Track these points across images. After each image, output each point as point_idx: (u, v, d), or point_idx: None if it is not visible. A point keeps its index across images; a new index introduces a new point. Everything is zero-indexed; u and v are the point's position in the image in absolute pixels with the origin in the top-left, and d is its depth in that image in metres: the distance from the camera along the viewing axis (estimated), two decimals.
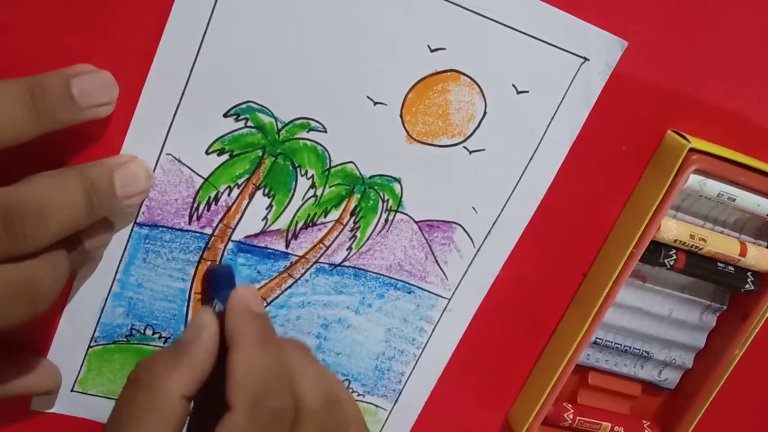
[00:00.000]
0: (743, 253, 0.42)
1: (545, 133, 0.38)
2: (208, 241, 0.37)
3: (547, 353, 0.44)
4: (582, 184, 0.40)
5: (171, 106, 0.34)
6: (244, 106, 0.34)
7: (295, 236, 0.38)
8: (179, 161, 0.35)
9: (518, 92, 0.37)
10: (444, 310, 0.42)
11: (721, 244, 0.41)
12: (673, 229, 0.40)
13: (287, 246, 0.38)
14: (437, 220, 0.39)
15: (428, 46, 0.35)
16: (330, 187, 0.37)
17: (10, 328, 0.29)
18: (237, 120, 0.35)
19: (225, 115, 0.34)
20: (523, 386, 0.45)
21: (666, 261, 0.41)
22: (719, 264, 0.43)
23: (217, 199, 0.36)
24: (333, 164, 0.37)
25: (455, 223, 0.39)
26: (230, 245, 0.38)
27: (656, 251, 0.41)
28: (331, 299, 0.40)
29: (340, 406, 0.34)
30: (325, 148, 0.36)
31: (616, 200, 0.41)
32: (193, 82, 0.33)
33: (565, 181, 0.40)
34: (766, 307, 0.43)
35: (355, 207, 0.38)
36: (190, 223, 0.37)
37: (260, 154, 0.36)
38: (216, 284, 0.37)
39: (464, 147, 0.38)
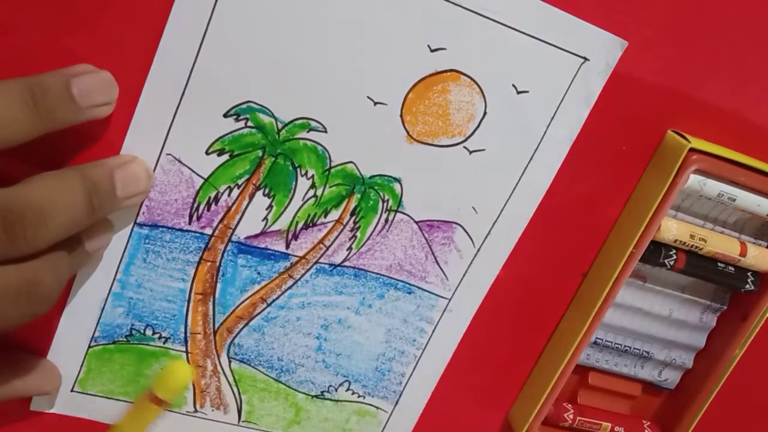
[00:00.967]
0: (743, 254, 0.42)
1: (545, 133, 0.38)
2: (208, 242, 0.37)
3: (547, 353, 0.44)
4: (582, 184, 0.40)
5: (171, 106, 0.34)
6: (244, 106, 0.34)
7: (296, 237, 0.38)
8: (179, 161, 0.35)
9: (518, 92, 0.37)
10: (444, 311, 0.42)
11: (721, 244, 0.41)
12: (673, 229, 0.40)
13: (287, 247, 0.38)
14: (437, 220, 0.39)
15: (428, 46, 0.35)
16: (330, 187, 0.37)
17: (11, 329, 0.29)
18: (237, 120, 0.35)
19: (225, 115, 0.34)
20: (523, 386, 0.45)
21: (666, 261, 0.41)
22: (719, 264, 0.42)
23: (217, 199, 0.36)
24: (333, 164, 0.37)
25: (455, 223, 0.39)
26: (230, 246, 0.38)
27: (656, 251, 0.41)
28: (332, 300, 0.40)
29: None
30: (325, 148, 0.36)
31: (616, 200, 0.41)
32: (193, 82, 0.33)
33: (565, 181, 0.40)
34: (766, 307, 0.43)
35: (355, 207, 0.38)
36: (190, 224, 0.37)
37: (260, 154, 0.36)
38: None
39: (464, 147, 0.38)
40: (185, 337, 0.39)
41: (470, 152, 0.38)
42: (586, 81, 0.37)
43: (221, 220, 0.37)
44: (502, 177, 0.39)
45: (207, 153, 0.35)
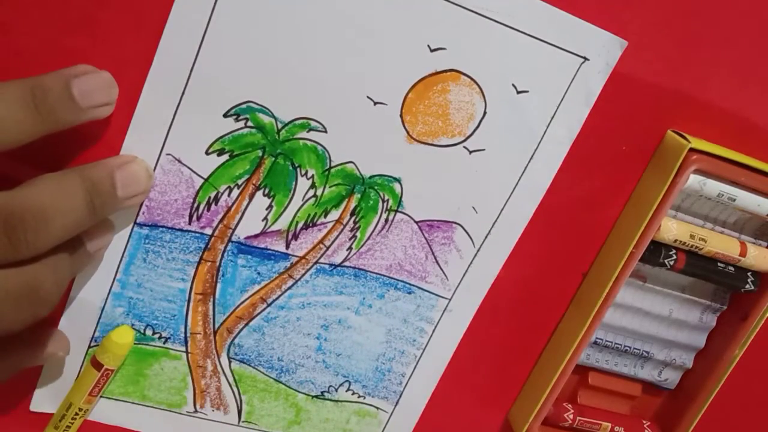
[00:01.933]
0: (743, 253, 0.42)
1: (545, 132, 0.38)
2: (208, 242, 0.37)
3: (547, 353, 0.44)
4: (582, 184, 0.40)
5: (171, 106, 0.34)
6: (244, 106, 0.34)
7: (296, 237, 0.38)
8: (179, 161, 0.35)
9: (518, 92, 0.37)
10: (444, 311, 0.42)
11: (721, 244, 0.41)
12: (673, 229, 0.40)
13: (287, 247, 0.38)
14: (437, 220, 0.39)
15: (428, 46, 0.35)
16: (330, 187, 0.37)
17: (12, 332, 0.29)
18: (237, 120, 0.35)
19: (225, 115, 0.34)
20: (523, 386, 0.45)
21: (666, 261, 0.41)
22: (719, 264, 0.42)
23: (217, 199, 0.36)
24: (333, 164, 0.37)
25: (455, 222, 0.39)
26: (230, 246, 0.38)
27: (656, 251, 0.41)
28: (332, 300, 0.40)
29: None
30: (325, 148, 0.36)
31: (616, 200, 0.41)
32: (193, 82, 0.33)
33: (565, 181, 0.40)
34: (766, 307, 0.43)
35: (355, 207, 0.38)
36: (190, 224, 0.37)
37: (260, 154, 0.36)
38: None
39: (464, 147, 0.38)
40: (185, 337, 0.39)
41: (470, 152, 0.38)
42: (586, 81, 0.37)
43: (221, 220, 0.37)
44: (502, 177, 0.39)
45: (207, 153, 0.35)
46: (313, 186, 0.37)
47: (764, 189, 0.40)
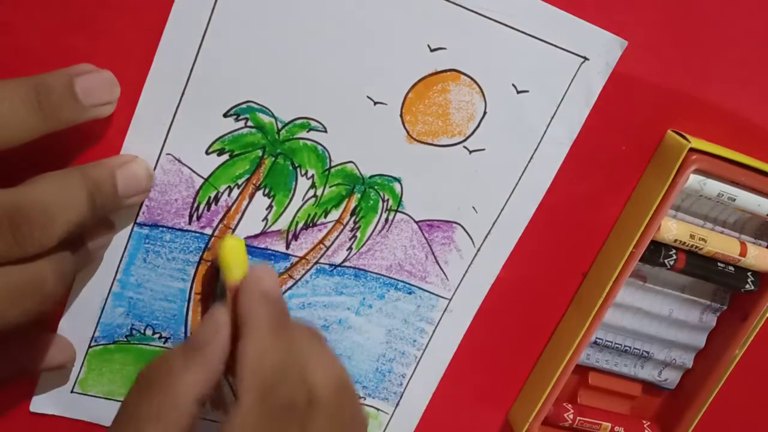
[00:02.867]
0: (743, 253, 0.42)
1: (545, 132, 0.38)
2: (208, 242, 0.37)
3: (547, 353, 0.44)
4: (582, 184, 0.40)
5: (171, 106, 0.34)
6: (244, 105, 0.34)
7: (296, 237, 0.38)
8: (179, 161, 0.35)
9: (518, 92, 0.37)
10: (444, 311, 0.42)
11: (721, 244, 0.41)
12: (673, 229, 0.40)
13: (287, 247, 0.38)
14: (437, 220, 0.39)
15: (428, 45, 0.35)
16: (330, 187, 0.37)
17: (14, 328, 0.29)
18: (237, 120, 0.35)
19: (225, 115, 0.34)
20: (523, 386, 0.45)
21: (666, 261, 0.41)
22: (719, 264, 0.43)
23: (217, 199, 0.36)
24: (333, 164, 0.37)
25: (455, 222, 0.39)
26: None
27: (656, 251, 0.41)
28: (332, 300, 0.40)
29: (349, 393, 0.33)
30: (325, 147, 0.36)
31: (616, 200, 0.41)
32: (193, 82, 0.33)
33: (565, 181, 0.40)
34: (766, 307, 0.43)
35: (356, 207, 0.38)
36: (190, 223, 0.37)
37: (260, 154, 0.36)
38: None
39: (464, 146, 0.38)
40: (185, 337, 0.39)
41: (470, 152, 0.38)
42: (586, 80, 0.37)
43: (221, 220, 0.37)
44: (502, 177, 0.39)
45: (207, 153, 0.35)
46: (313, 186, 0.37)
47: (764, 189, 0.40)
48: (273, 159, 0.36)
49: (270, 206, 0.37)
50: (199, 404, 0.30)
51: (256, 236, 0.38)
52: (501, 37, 0.35)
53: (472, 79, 0.36)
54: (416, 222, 0.39)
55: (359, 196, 0.38)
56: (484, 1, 0.34)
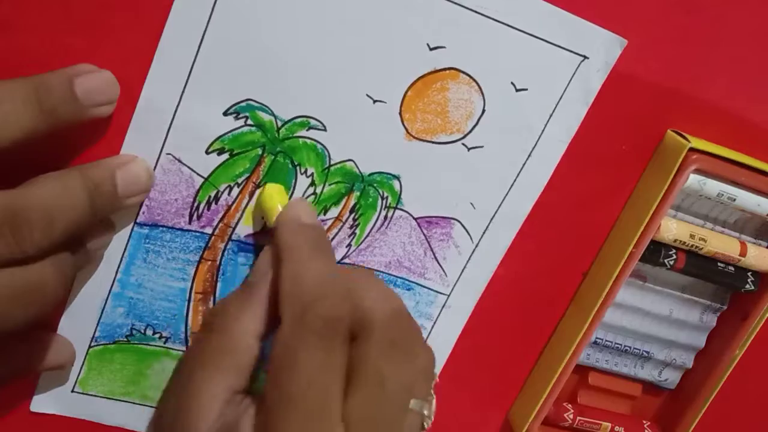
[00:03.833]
0: (743, 253, 0.42)
1: (543, 130, 0.38)
2: (209, 241, 0.37)
3: (547, 353, 0.44)
4: (582, 184, 0.40)
5: (171, 106, 0.34)
6: (243, 104, 0.34)
7: None
8: (179, 161, 0.35)
9: (517, 90, 0.37)
10: (443, 307, 0.42)
11: (721, 244, 0.41)
12: (673, 229, 0.40)
13: None
14: (436, 216, 0.39)
15: (427, 44, 0.35)
16: (329, 185, 0.37)
17: (16, 330, 0.29)
18: (237, 118, 0.35)
19: (225, 114, 0.34)
20: (523, 386, 0.45)
21: (666, 261, 0.41)
22: (719, 264, 0.43)
23: (217, 198, 0.36)
24: (332, 162, 0.37)
25: (454, 219, 0.40)
26: (230, 245, 0.38)
27: (656, 251, 0.41)
28: None
29: (408, 320, 0.32)
30: (324, 146, 0.36)
31: (616, 200, 0.41)
32: (193, 81, 0.33)
33: (566, 181, 0.40)
34: (766, 307, 0.43)
35: (355, 204, 0.38)
36: (190, 223, 0.37)
37: (260, 152, 0.36)
38: None
39: (463, 144, 0.38)
40: (186, 337, 0.39)
41: (468, 149, 0.38)
42: (585, 79, 0.37)
43: (221, 219, 0.37)
44: (500, 174, 0.39)
45: (207, 152, 0.35)
46: (312, 184, 0.37)
47: (764, 189, 0.40)
48: (273, 157, 0.36)
49: None
50: (258, 340, 0.31)
51: (256, 234, 0.38)
52: (500, 35, 0.35)
53: (471, 77, 0.36)
54: (415, 219, 0.39)
55: (358, 193, 0.38)
56: (484, 0, 0.34)
